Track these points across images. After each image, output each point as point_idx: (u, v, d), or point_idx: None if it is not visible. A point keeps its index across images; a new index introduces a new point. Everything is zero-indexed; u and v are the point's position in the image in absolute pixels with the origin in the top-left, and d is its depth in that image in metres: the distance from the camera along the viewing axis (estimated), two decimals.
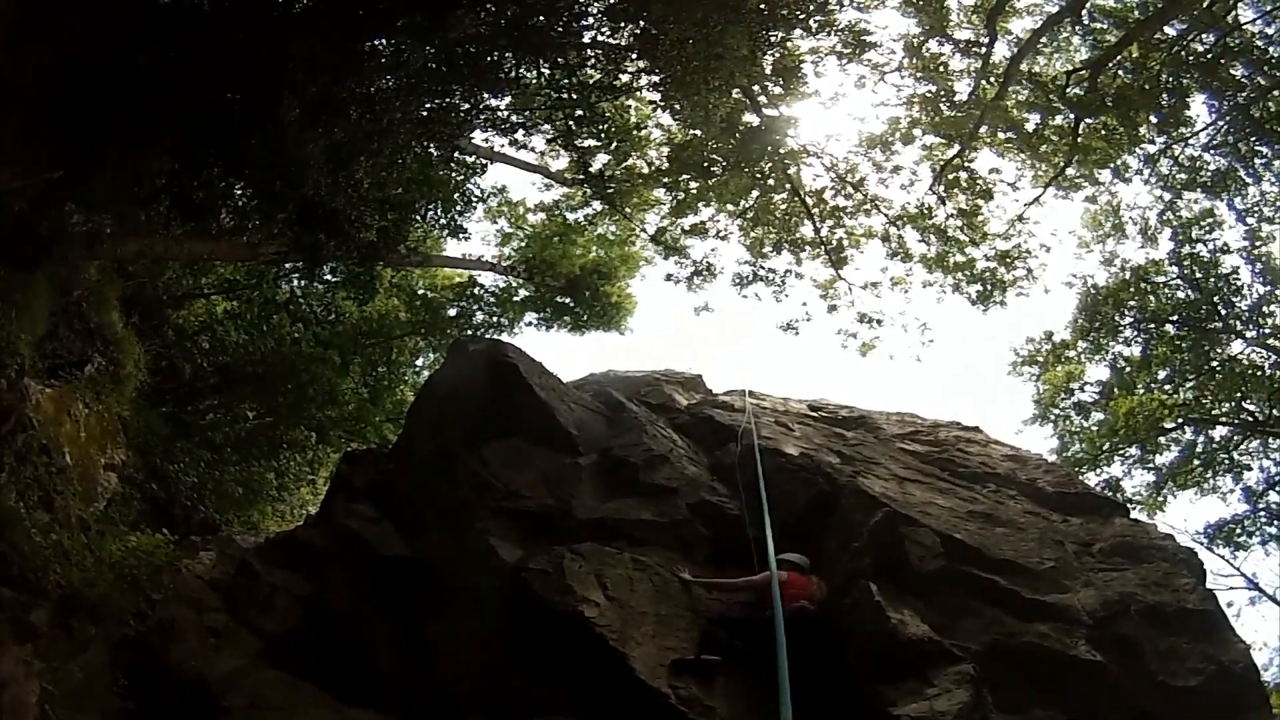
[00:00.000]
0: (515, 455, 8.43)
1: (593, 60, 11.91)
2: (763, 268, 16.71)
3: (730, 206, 16.54)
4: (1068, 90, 15.89)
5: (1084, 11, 15.99)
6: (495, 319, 17.96)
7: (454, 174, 13.76)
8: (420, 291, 17.74)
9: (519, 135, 13.68)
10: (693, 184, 15.79)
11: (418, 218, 13.30)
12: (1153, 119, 16.81)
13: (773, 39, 12.15)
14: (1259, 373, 18.40)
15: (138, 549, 8.27)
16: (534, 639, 6.60)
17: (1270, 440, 18.88)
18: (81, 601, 7.04)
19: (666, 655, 6.29)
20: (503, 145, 15.07)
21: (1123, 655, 7.24)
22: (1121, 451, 19.14)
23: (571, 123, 13.51)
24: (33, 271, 8.34)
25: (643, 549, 7.45)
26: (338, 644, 7.37)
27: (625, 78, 12.24)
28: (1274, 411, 18.26)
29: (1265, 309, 18.94)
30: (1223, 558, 18.77)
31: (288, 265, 13.55)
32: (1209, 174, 18.19)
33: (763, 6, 11.11)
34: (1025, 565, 8.02)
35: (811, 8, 11.88)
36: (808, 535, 7.90)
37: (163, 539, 8.65)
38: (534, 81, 11.92)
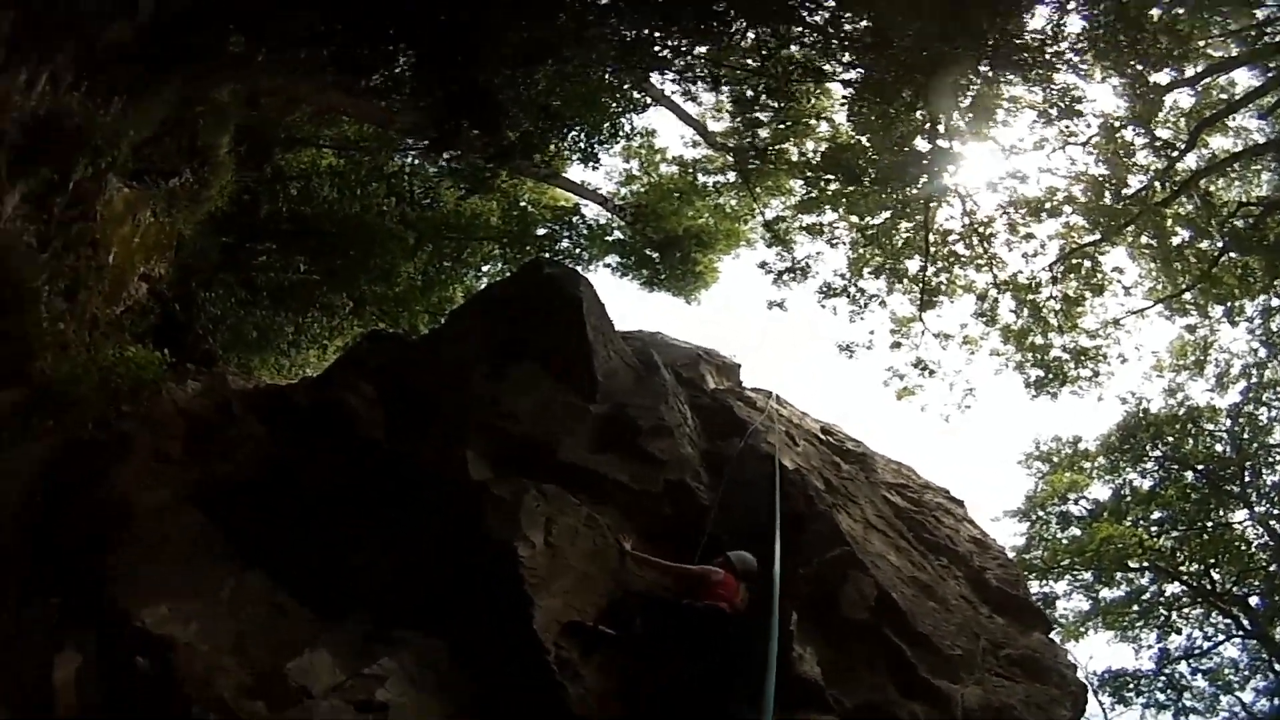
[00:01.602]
0: (533, 382, 7.69)
1: (811, 40, 10.69)
2: (855, 286, 15.34)
3: (855, 219, 15.07)
4: (1231, 219, 14.17)
5: None
6: (579, 250, 16.24)
7: (616, 104, 12.33)
8: (521, 204, 15.85)
9: (696, 88, 12.40)
10: (832, 186, 14.32)
11: (565, 133, 12.04)
12: None
13: (989, 75, 10.85)
14: (1244, 547, 17.07)
15: (132, 360, 7.52)
16: (460, 558, 6.06)
17: (1212, 613, 17.77)
18: (54, 395, 6.44)
19: (569, 614, 5.77)
20: (674, 92, 13.57)
21: None
22: (1075, 572, 18.01)
23: (754, 91, 12.13)
24: (167, 75, 7.51)
25: (603, 507, 6.80)
26: (275, 508, 6.68)
27: (832, 65, 11.06)
28: (1232, 588, 17.09)
29: None
30: (1101, 705, 17.78)
31: (409, 141, 12.32)
32: None
33: (1000, 44, 9.84)
34: (937, 645, 7.48)
35: (1042, 60, 10.49)
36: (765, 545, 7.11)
37: (159, 358, 7.83)
38: (744, 43, 10.73)
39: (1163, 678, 18.24)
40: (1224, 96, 14.26)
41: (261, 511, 6.63)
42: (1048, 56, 10.48)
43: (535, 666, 5.46)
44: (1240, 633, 17.58)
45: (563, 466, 7.06)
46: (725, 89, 12.74)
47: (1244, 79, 14.11)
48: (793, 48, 11.27)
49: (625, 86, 11.97)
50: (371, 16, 8.14)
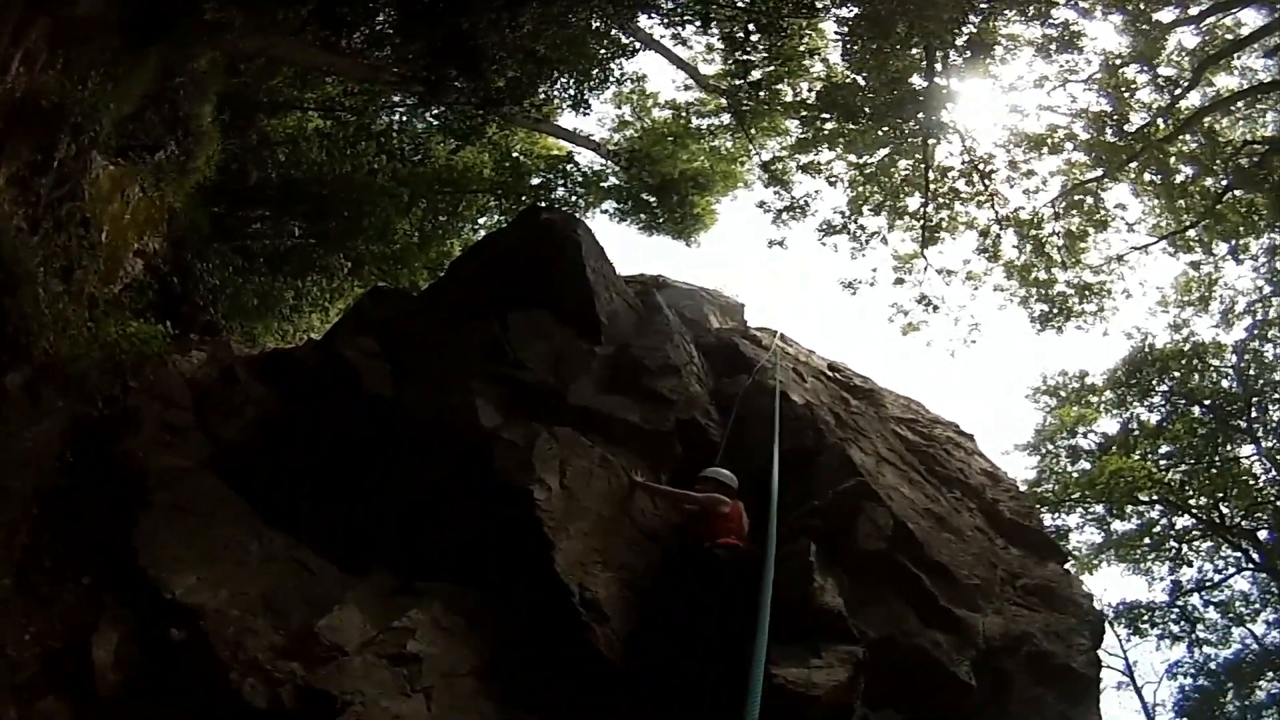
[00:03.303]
0: (537, 327, 7.61)
1: None
2: (855, 223, 14.99)
3: (853, 157, 14.71)
4: (1235, 157, 13.85)
5: None
6: (575, 198, 15.83)
7: (604, 49, 11.94)
8: (514, 154, 15.54)
9: (686, 30, 12.08)
10: (828, 125, 13.96)
11: (553, 79, 11.66)
12: None
13: (985, 8, 10.42)
14: (1251, 481, 16.93)
15: (134, 335, 7.39)
16: (476, 506, 6.02)
17: (1222, 546, 17.63)
18: (60, 373, 6.34)
19: (591, 555, 5.74)
20: (663, 35, 13.25)
21: (994, 688, 6.80)
22: (1086, 504, 17.96)
23: (745, 31, 11.69)
24: (145, 48, 7.28)
25: (616, 448, 6.75)
26: (288, 467, 6.65)
27: (823, 2, 10.64)
28: (1241, 521, 16.94)
29: None
30: (1117, 636, 17.93)
31: (395, 97, 12.09)
32: None
33: None
34: (954, 574, 7.45)
35: None
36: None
37: (161, 331, 7.71)
38: None
39: (1176, 609, 18.31)
40: (1229, 36, 13.92)
41: (277, 473, 6.61)
42: None
43: (561, 608, 5.45)
44: (1250, 565, 17.62)
45: (573, 410, 6.98)
46: (715, 29, 12.37)
47: (1250, 18, 13.82)
48: None
49: (613, 30, 11.58)
50: None
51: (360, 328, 8.03)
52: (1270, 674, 17.24)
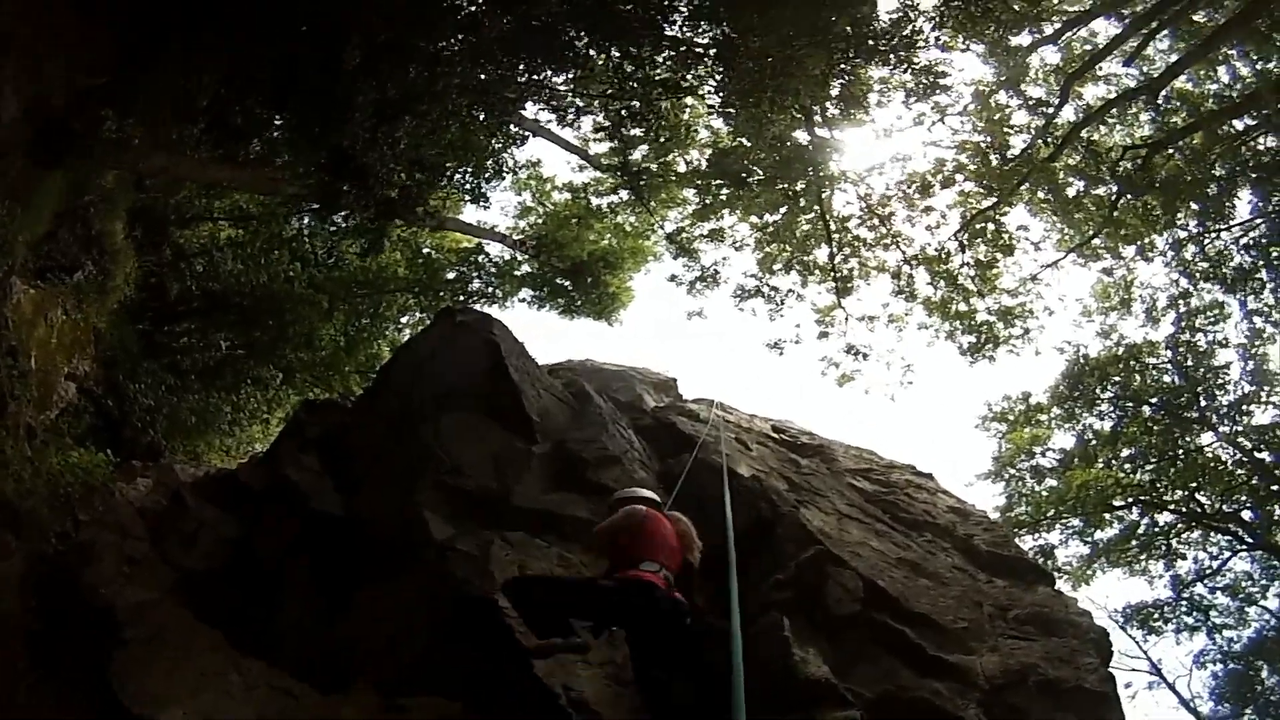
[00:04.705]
0: (471, 431, 7.97)
1: (665, 56, 11.22)
2: (767, 284, 15.85)
3: (754, 219, 15.69)
4: (1120, 164, 15.18)
5: (1161, 92, 15.02)
6: (491, 289, 16.82)
7: (493, 142, 12.82)
8: (425, 251, 16.58)
9: (569, 115, 12.73)
10: (724, 190, 14.94)
11: (445, 180, 12.42)
12: (1193, 206, 16.08)
13: (848, 66, 11.44)
14: (1219, 467, 17.84)
15: (77, 465, 7.73)
16: (443, 618, 6.24)
17: (1210, 534, 18.33)
18: (9, 513, 6.60)
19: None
20: (549, 121, 14.21)
21: None
22: (1064, 521, 18.60)
23: (625, 112, 12.54)
24: (50, 170, 7.74)
25: (571, 546, 7.03)
26: (251, 591, 6.98)
27: (691, 78, 11.57)
28: (1222, 507, 17.68)
29: (1244, 408, 18.31)
30: (1134, 639, 18.50)
31: (300, 205, 12.52)
32: (1231, 268, 17.44)
33: (850, 33, 10.42)
34: (938, 621, 7.63)
35: (896, 42, 11.16)
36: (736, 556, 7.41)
37: (104, 459, 8.08)
38: (600, 66, 11.18)
39: (1184, 602, 18.88)
40: (1088, 48, 15.50)
41: (242, 598, 6.90)
42: (904, 38, 11.08)
43: (552, 712, 5.64)
44: (1243, 546, 18.45)
45: (521, 512, 7.30)
46: (595, 114, 13.25)
47: (1103, 28, 15.50)
48: (652, 66, 11.63)
49: (500, 124, 12.37)
50: (230, 82, 8.55)
51: (302, 446, 8.38)
52: None
